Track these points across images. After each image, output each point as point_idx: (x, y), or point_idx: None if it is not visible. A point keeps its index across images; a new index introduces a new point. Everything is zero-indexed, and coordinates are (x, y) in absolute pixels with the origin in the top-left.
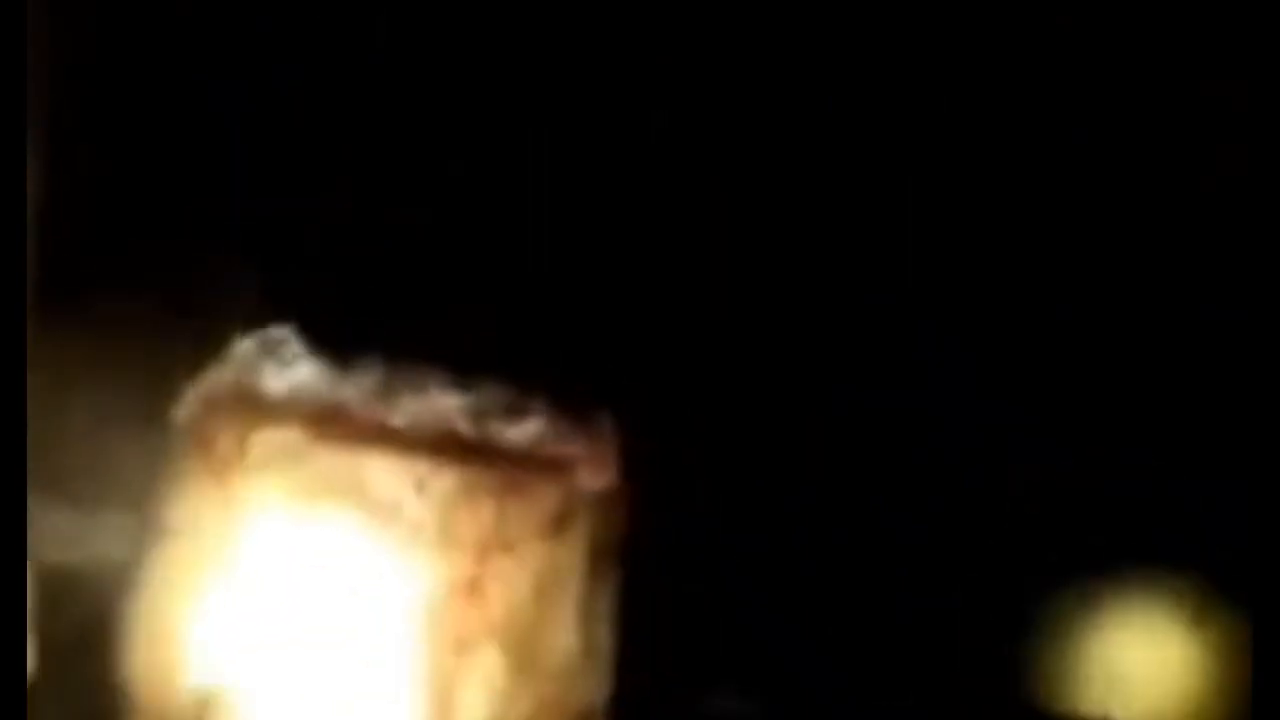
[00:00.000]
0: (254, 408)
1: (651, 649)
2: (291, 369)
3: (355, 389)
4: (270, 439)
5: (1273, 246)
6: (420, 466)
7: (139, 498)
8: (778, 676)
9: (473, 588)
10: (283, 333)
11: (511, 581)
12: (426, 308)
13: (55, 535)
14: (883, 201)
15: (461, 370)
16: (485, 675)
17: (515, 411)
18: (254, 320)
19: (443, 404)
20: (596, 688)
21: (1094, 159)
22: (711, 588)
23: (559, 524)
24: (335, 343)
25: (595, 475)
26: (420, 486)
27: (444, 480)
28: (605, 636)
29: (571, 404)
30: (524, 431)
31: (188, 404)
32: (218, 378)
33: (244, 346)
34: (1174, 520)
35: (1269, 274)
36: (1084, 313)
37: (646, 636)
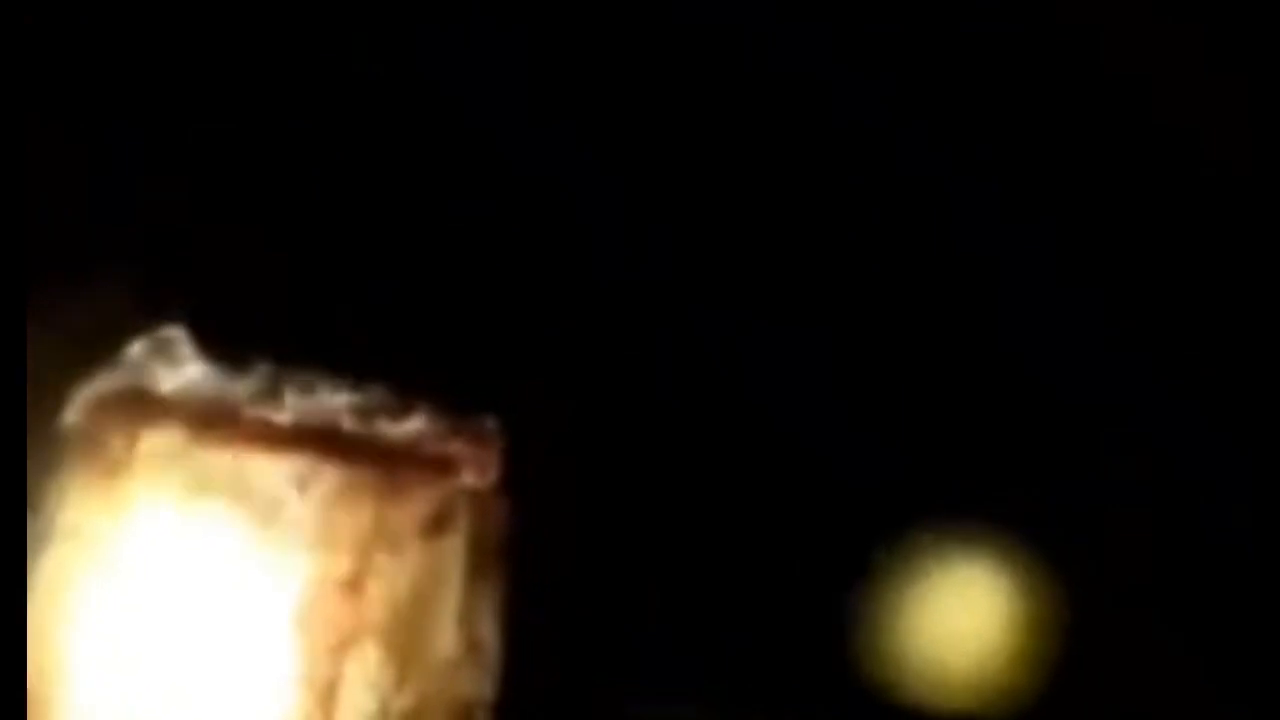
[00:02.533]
0: (143, 408)
1: (537, 647)
2: (182, 370)
3: (243, 389)
4: (157, 438)
5: None
6: (301, 465)
7: (32, 499)
8: (661, 671)
9: (353, 585)
10: (174, 334)
11: (392, 579)
12: (316, 310)
13: None
14: (749, 210)
15: (348, 371)
16: (366, 672)
17: (398, 411)
18: (145, 322)
19: (327, 403)
20: (480, 684)
21: None
22: (593, 585)
23: (440, 522)
24: (225, 344)
25: (477, 474)
26: (301, 485)
27: (325, 479)
28: (489, 634)
29: (454, 404)
30: (406, 430)
31: (78, 406)
32: (108, 379)
33: (135, 348)
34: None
35: None
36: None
37: (531, 634)
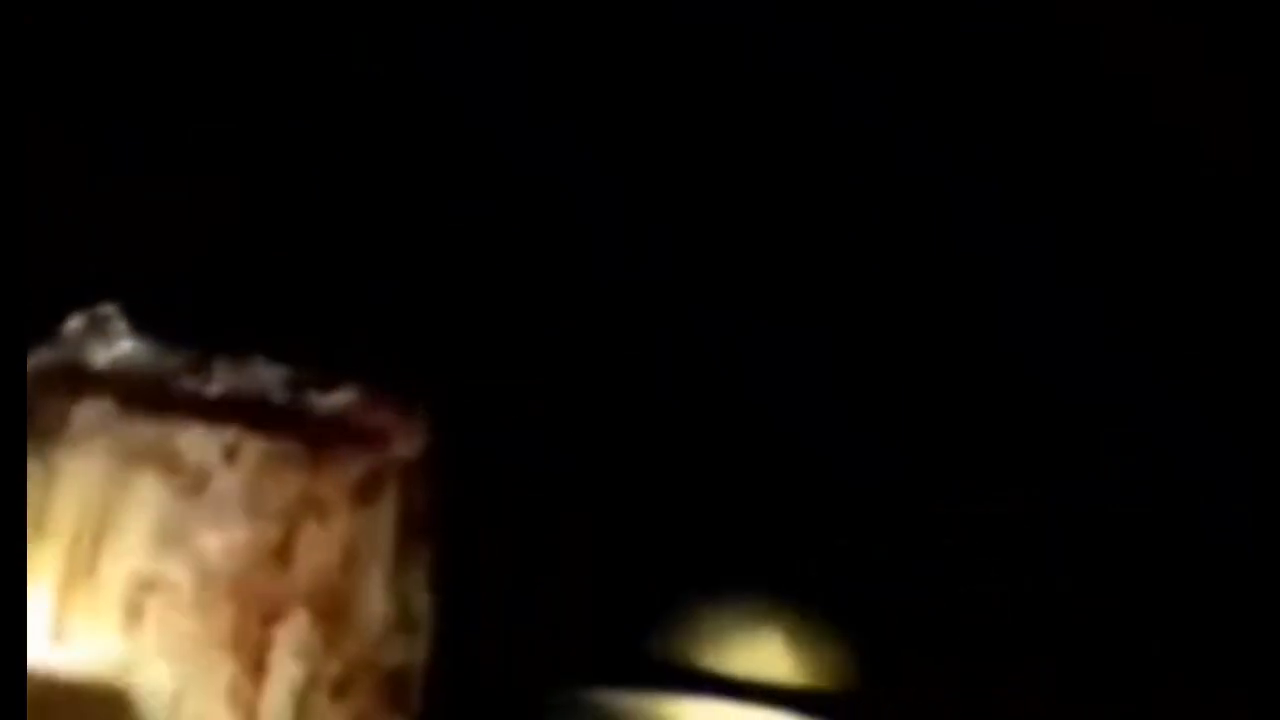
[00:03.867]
0: (76, 382)
1: (468, 617)
2: (116, 345)
3: (174, 362)
4: (88, 410)
5: None
6: (230, 434)
7: None
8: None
9: (282, 554)
10: (109, 310)
11: (321, 547)
12: (250, 287)
13: None
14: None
15: (280, 343)
16: (296, 641)
17: (327, 383)
18: (80, 299)
19: (258, 376)
20: (411, 653)
21: None
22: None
23: (368, 491)
24: (160, 320)
25: (406, 443)
26: (229, 454)
27: (253, 448)
28: (421, 603)
29: (384, 373)
30: (335, 400)
31: None
32: (42, 355)
33: (70, 324)
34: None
35: None
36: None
37: (464, 605)
